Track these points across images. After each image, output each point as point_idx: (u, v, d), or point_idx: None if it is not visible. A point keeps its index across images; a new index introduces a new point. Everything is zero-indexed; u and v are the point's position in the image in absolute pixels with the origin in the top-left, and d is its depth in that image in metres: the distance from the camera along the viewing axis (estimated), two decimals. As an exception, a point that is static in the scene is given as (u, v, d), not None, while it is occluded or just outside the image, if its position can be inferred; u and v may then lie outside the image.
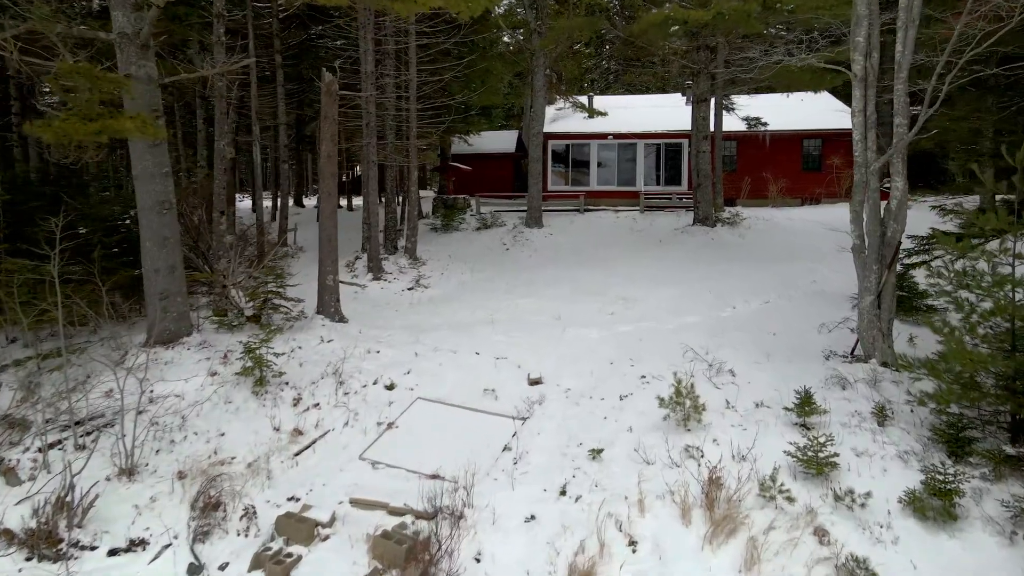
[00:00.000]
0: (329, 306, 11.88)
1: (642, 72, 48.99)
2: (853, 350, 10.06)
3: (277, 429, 8.92)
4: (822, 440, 6.96)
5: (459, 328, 12.06)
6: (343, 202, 36.34)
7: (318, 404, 9.39)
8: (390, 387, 9.80)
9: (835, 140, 27.20)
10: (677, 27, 16.49)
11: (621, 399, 9.18)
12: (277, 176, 22.68)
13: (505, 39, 29.18)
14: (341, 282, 15.57)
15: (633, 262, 17.35)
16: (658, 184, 28.12)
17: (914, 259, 10.73)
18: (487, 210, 24.30)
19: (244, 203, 41.70)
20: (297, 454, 8.55)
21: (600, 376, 9.89)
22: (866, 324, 9.46)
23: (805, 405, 7.87)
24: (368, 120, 15.76)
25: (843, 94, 32.46)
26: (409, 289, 15.66)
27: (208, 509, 7.47)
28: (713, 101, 20.85)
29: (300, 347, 10.71)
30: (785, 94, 32.34)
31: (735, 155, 27.75)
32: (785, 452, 7.19)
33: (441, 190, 29.55)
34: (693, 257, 17.39)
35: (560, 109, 31.16)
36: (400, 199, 23.60)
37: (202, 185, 16.62)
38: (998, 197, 11.21)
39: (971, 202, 23.49)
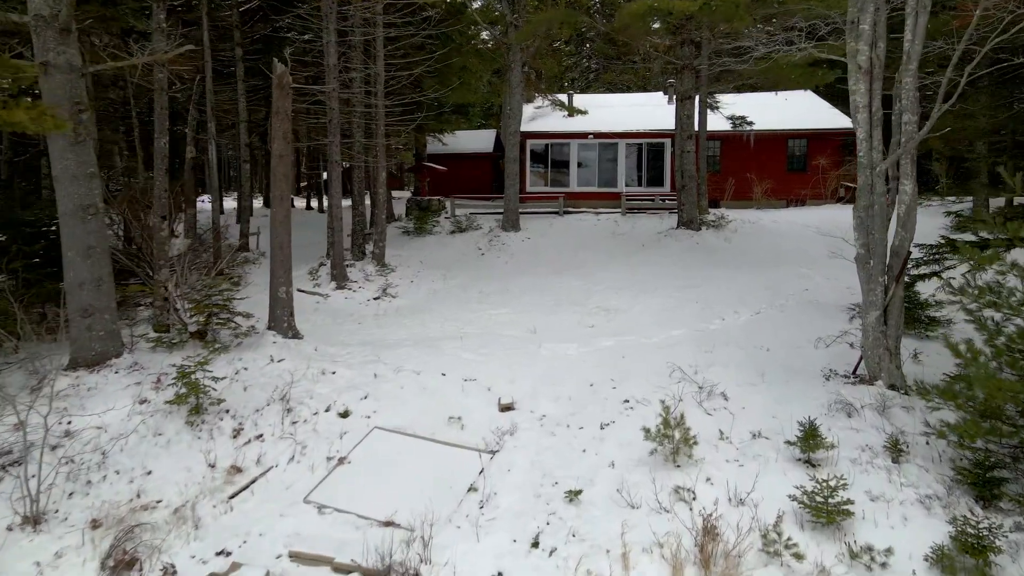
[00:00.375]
0: (282, 321, 10.79)
1: (623, 71, 48.25)
2: (856, 369, 9.18)
3: (212, 466, 7.83)
4: (833, 483, 6.03)
5: (426, 344, 11.02)
6: (314, 203, 35.16)
7: (261, 435, 8.31)
8: (344, 415, 8.74)
9: (820, 140, 26.52)
10: (660, 21, 15.59)
11: (602, 428, 8.20)
12: (240, 176, 21.46)
13: (484, 35, 28.21)
14: (301, 291, 14.47)
15: (615, 268, 16.42)
16: (640, 185, 27.27)
17: (923, 270, 9.86)
18: (462, 212, 23.26)
19: (205, 204, 40.43)
20: (233, 496, 7.47)
21: (579, 400, 8.91)
22: (871, 342, 8.58)
23: (810, 439, 6.94)
24: (331, 117, 14.67)
25: (826, 93, 31.86)
26: (375, 299, 14.59)
27: (120, 568, 6.38)
28: (697, 99, 19.98)
29: (246, 368, 9.61)
30: (769, 93, 31.70)
31: (719, 155, 26.98)
32: (790, 496, 6.26)
33: (416, 191, 28.47)
34: (678, 263, 16.50)
35: (539, 108, 30.21)
36: (370, 201, 22.50)
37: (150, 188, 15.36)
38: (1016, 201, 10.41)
39: (960, 206, 22.91)
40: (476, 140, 33.62)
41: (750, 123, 22.75)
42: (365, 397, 9.07)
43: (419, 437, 8.33)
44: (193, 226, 20.24)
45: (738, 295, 13.67)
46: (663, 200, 24.48)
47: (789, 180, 26.77)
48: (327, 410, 8.80)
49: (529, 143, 27.61)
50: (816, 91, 31.91)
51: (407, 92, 17.86)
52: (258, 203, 32.79)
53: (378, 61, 15.86)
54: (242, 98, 19.34)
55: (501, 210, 21.23)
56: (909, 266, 8.84)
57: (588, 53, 51.33)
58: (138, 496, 7.37)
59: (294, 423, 8.53)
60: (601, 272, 16.12)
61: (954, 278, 10.12)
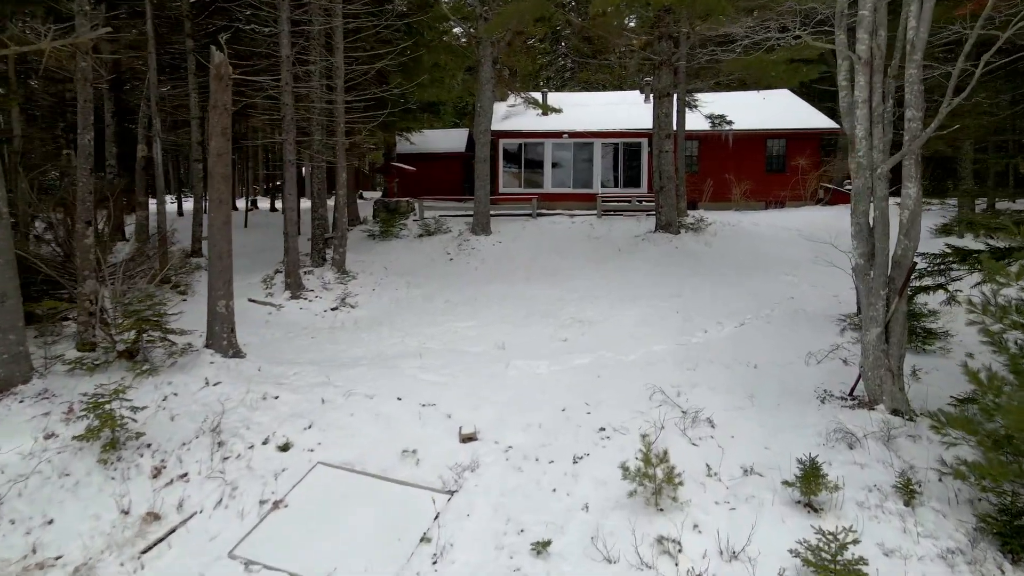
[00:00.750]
0: (221, 338, 9.70)
1: (599, 69, 47.50)
2: (852, 390, 8.36)
3: (125, 512, 6.76)
4: (842, 537, 5.16)
5: (382, 363, 10.01)
6: (277, 204, 33.74)
7: (186, 475, 7.25)
8: (284, 448, 7.71)
9: (799, 140, 25.93)
10: (637, 13, 14.72)
11: (575, 462, 7.27)
12: (192, 176, 20.22)
13: (457, 30, 27.20)
14: (253, 301, 13.37)
15: (590, 275, 15.52)
16: (616, 186, 26.47)
17: (926, 281, 9.07)
18: (432, 215, 22.23)
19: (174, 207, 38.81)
20: (146, 551, 6.41)
21: (550, 428, 7.97)
22: (872, 362, 7.76)
23: (810, 479, 6.08)
24: (285, 113, 13.57)
25: (803, 93, 31.35)
26: (332, 309, 13.53)
27: (-3, 650, 5.32)
28: (676, 97, 19.17)
29: (175, 393, 8.53)
30: (747, 92, 31.11)
31: (697, 155, 26.27)
32: (792, 551, 5.37)
33: (385, 192, 27.35)
34: (656, 269, 15.65)
35: (513, 106, 29.29)
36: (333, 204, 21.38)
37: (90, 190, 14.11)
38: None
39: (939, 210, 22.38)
40: (448, 139, 32.58)
41: (729, 122, 22.04)
42: (309, 427, 8.04)
43: (368, 475, 7.33)
44: (145, 230, 18.96)
45: (721, 304, 12.85)
46: (640, 202, 23.68)
47: (768, 181, 26.16)
48: (265, 443, 7.76)
49: (502, 142, 26.68)
50: (793, 90, 31.43)
51: (371, 87, 16.81)
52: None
53: (337, 53, 14.79)
54: (194, 93, 18.12)
55: (472, 212, 20.24)
56: (912, 278, 8.04)
57: (563, 51, 50.54)
58: (33, 551, 6.29)
59: (225, 459, 7.48)
60: (575, 279, 15.22)
61: (960, 291, 9.42)
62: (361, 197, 33.54)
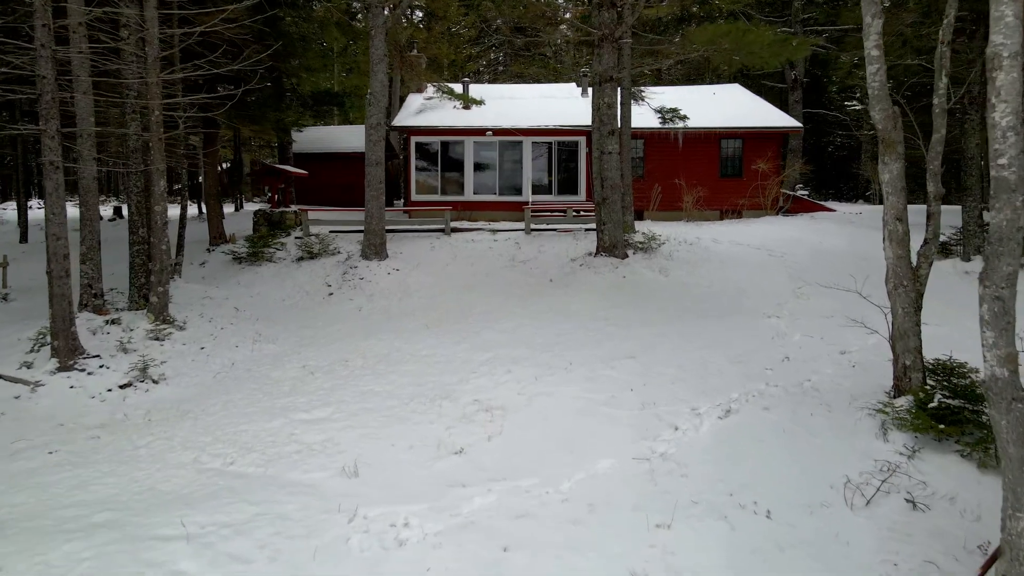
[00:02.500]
0: None
1: (531, 63, 43.68)
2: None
3: None
4: None
5: (124, 527, 5.64)
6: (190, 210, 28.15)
7: None
8: None
9: (758, 140, 22.53)
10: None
11: None
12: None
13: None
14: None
15: (511, 320, 11.46)
16: (550, 193, 22.53)
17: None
18: (321, 230, 17.79)
19: (8, 212, 32.79)
20: None
21: None
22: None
23: None
24: (43, 90, 8.94)
25: (753, 88, 28.19)
26: (123, 387, 9.00)
27: None
28: (620, 88, 15.27)
29: None
30: (694, 87, 27.71)
31: (643, 157, 22.57)
32: None
33: (280, 200, 22.60)
34: (600, 312, 11.70)
35: (430, 99, 24.99)
36: (204, 214, 16.69)
37: None
38: None
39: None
40: (356, 137, 27.98)
41: (684, 117, 18.32)
42: None
43: None
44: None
45: (693, 373, 8.97)
46: (577, 213, 19.79)
47: (723, 187, 22.69)
48: None
49: (414, 140, 22.40)
50: (746, 85, 28.22)
51: (218, 64, 12.29)
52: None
53: (146, 5, 10.25)
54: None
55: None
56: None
57: (493, 43, 46.54)
58: None
59: None
60: (490, 328, 11.12)
61: None
62: (241, 207, 28.74)
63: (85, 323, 10.45)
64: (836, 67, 33.75)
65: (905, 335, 7.64)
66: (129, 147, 11.72)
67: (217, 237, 17.22)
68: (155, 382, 9.17)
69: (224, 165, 35.64)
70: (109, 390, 8.92)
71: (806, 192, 32.31)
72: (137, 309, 11.66)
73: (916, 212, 23.09)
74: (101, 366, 9.33)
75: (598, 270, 13.68)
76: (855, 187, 36.28)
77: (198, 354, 10.34)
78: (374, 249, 14.73)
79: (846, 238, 17.67)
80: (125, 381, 9.07)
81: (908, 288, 7.61)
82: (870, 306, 8.90)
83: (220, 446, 7.26)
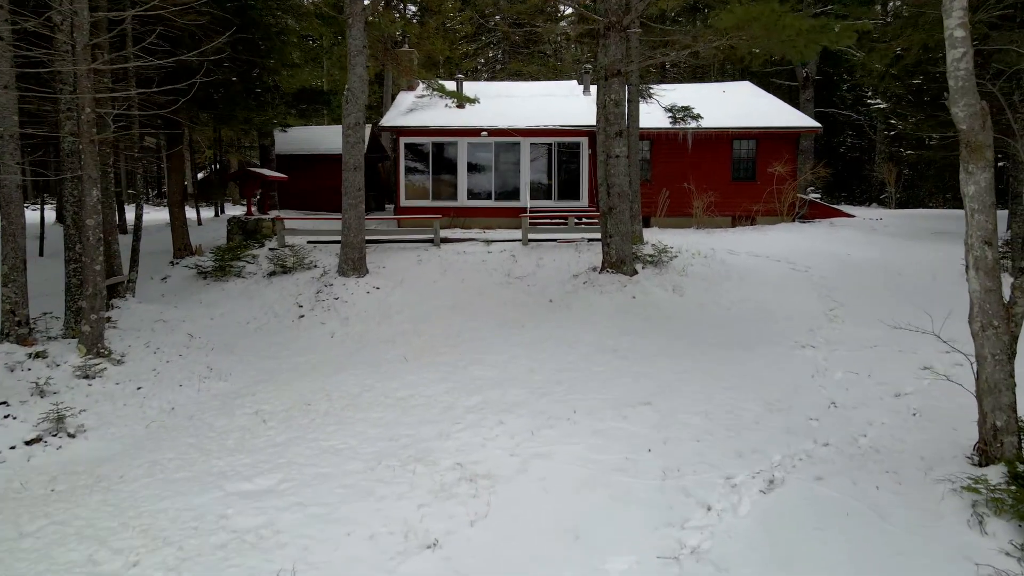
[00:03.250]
0: None
1: (530, 60, 42.12)
2: None
3: None
4: None
5: None
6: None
7: None
8: None
9: (773, 141, 20.97)
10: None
11: None
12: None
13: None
14: None
15: (504, 353, 9.87)
16: (550, 198, 20.98)
17: None
18: (298, 240, 16.22)
19: None
20: None
21: None
22: None
23: None
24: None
25: (760, 84, 26.61)
26: (28, 443, 7.38)
27: None
28: (628, 83, 13.66)
29: None
30: (702, 85, 26.18)
31: (649, 160, 21.01)
32: None
33: (259, 206, 21.01)
34: (608, 341, 10.13)
35: (421, 97, 23.45)
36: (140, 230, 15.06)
37: None
38: None
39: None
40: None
41: (697, 116, 16.70)
42: None
43: None
44: None
45: (723, 425, 7.40)
46: (579, 220, 18.23)
47: (735, 191, 21.14)
48: None
49: (404, 141, 20.85)
50: (753, 82, 26.65)
51: (170, 54, 10.70)
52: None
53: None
54: None
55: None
56: None
57: (491, 40, 45.00)
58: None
59: None
60: (480, 361, 9.54)
61: None
62: (222, 211, 27.26)
63: (3, 357, 8.88)
64: (849, 63, 32.22)
65: (995, 388, 6.09)
66: (64, 150, 10.14)
67: (182, 249, 15.65)
68: (71, 436, 7.58)
69: (214, 166, 34.11)
70: (12, 447, 7.34)
71: (818, 196, 30.78)
72: (72, 337, 10.09)
73: (949, 218, 21.43)
74: (7, 416, 7.75)
75: (604, 289, 12.11)
76: (868, 190, 34.67)
77: (132, 396, 8.75)
78: (352, 264, 13.14)
79: (875, 249, 16.09)
80: (33, 435, 7.49)
81: (1000, 330, 6.05)
82: (919, 333, 7.37)
83: (127, 535, 5.69)
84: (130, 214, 27.39)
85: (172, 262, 15.31)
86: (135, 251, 12.67)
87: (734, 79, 34.79)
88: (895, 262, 14.74)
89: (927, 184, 32.59)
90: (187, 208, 33.49)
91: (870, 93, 35.56)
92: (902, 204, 31.58)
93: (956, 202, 32.62)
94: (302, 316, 12.01)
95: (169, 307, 12.37)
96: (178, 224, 15.48)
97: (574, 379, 8.76)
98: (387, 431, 7.58)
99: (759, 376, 8.79)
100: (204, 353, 10.27)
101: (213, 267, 14.09)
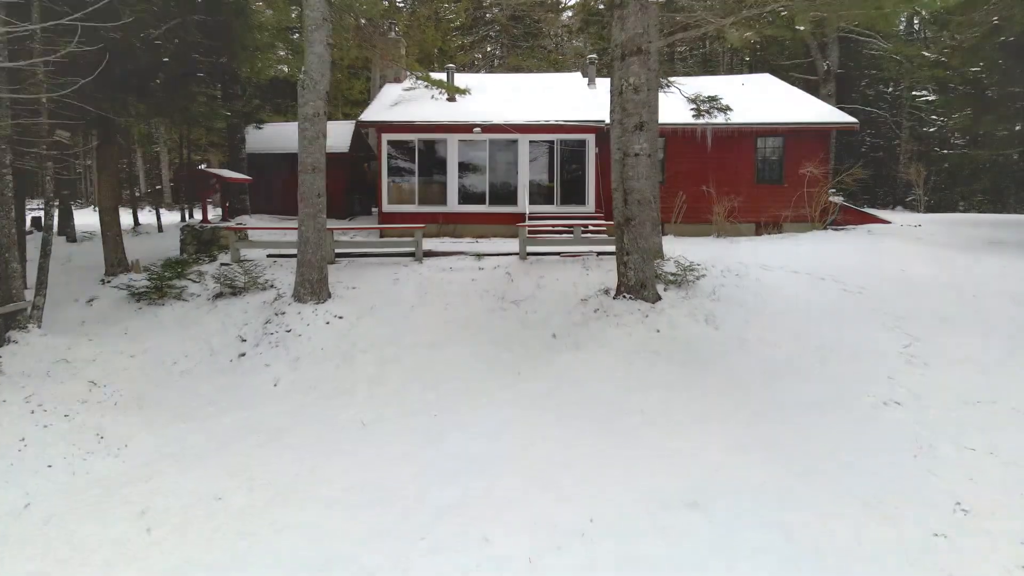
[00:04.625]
0: None
1: (530, 53, 39.76)
2: None
3: None
4: None
5: None
6: (150, 219, 23.84)
7: None
8: None
9: (803, 139, 18.59)
10: None
11: None
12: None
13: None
14: None
15: (490, 416, 7.46)
16: (552, 202, 18.58)
17: None
18: (256, 254, 13.84)
19: None
20: None
21: None
22: None
23: None
24: None
25: (778, 76, 24.27)
26: None
27: None
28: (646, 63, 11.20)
29: None
30: (719, 77, 23.78)
31: (663, 159, 18.63)
32: None
33: (234, 210, 18.60)
34: (630, 398, 7.73)
35: (409, 89, 21.09)
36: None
37: None
38: None
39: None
40: (329, 134, 24.03)
41: (726, 108, 14.27)
42: None
43: None
44: None
45: (810, 551, 5.01)
46: (586, 229, 15.85)
47: (760, 195, 18.77)
48: None
49: (387, 138, 18.45)
50: (776, 75, 24.27)
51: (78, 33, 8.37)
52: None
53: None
54: None
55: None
56: None
57: (489, 34, 42.64)
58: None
59: None
60: (462, 428, 7.15)
61: None
62: (191, 216, 24.91)
63: None
64: (874, 55, 29.94)
65: None
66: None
67: (116, 264, 13.24)
68: None
69: (205, 166, 31.72)
70: None
71: (841, 198, 28.45)
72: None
73: (1000, 225, 19.00)
74: None
75: (621, 320, 9.70)
76: (892, 191, 32.30)
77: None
78: (310, 287, 10.73)
79: (932, 263, 13.70)
80: None
81: None
82: None
83: None
84: (92, 218, 25.00)
85: (103, 280, 12.91)
86: (42, 270, 10.27)
87: (743, 72, 32.53)
88: (963, 282, 12.35)
89: (959, 186, 30.18)
90: (148, 211, 31.17)
91: (891, 88, 33.29)
92: (931, 208, 29.23)
93: (989, 205, 30.30)
94: (243, 355, 9.61)
95: (82, 341, 9.99)
96: (111, 235, 13.06)
97: (587, 460, 6.37)
98: (320, 552, 5.19)
99: (841, 456, 6.41)
100: (102, 412, 7.87)
101: (148, 288, 11.71)
